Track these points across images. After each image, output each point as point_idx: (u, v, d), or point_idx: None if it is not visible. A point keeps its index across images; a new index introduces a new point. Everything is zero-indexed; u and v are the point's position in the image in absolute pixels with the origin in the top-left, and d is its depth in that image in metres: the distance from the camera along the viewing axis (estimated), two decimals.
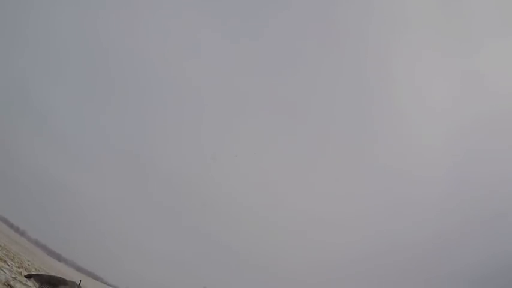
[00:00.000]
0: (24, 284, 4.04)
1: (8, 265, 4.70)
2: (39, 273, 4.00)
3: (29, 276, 3.53)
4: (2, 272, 3.90)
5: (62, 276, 3.69)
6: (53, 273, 4.00)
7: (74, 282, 3.64)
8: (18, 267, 5.12)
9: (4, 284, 3.33)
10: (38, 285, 3.44)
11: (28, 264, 6.60)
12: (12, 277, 4.01)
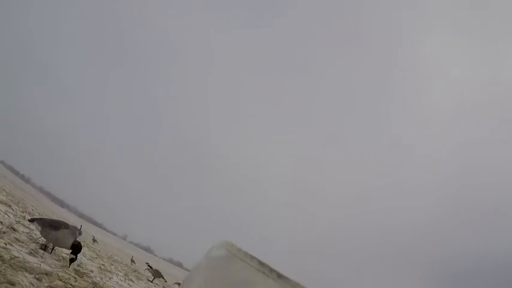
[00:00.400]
0: (27, 227, 4.18)
1: (13, 209, 4.83)
2: (42, 217, 4.11)
3: (32, 220, 3.62)
4: (6, 216, 4.02)
5: (64, 221, 3.80)
6: (55, 218, 4.10)
7: (75, 227, 3.74)
8: (22, 212, 5.26)
9: (8, 227, 3.45)
10: (40, 228, 3.55)
11: (32, 209, 6.79)
12: (16, 221, 4.13)
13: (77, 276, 3.31)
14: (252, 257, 0.60)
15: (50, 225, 3.51)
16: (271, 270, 0.57)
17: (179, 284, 12.00)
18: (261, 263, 0.59)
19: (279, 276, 0.56)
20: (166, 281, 9.68)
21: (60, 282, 2.64)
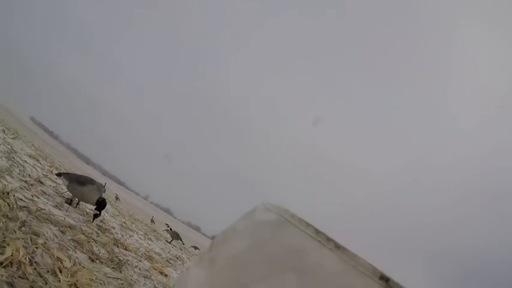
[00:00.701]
0: (54, 182, 4.27)
1: (41, 164, 4.93)
2: (69, 172, 4.19)
3: (59, 174, 3.70)
4: (34, 169, 4.11)
5: (90, 177, 3.87)
6: (81, 174, 4.17)
7: (101, 184, 3.82)
8: (50, 167, 5.37)
9: (36, 180, 3.53)
10: (66, 183, 3.62)
11: (59, 165, 6.91)
12: (44, 174, 4.23)
13: (99, 232, 3.40)
14: (308, 224, 0.59)
15: (76, 181, 3.58)
16: (328, 239, 0.56)
17: (196, 248, 12.35)
18: (317, 231, 0.57)
19: (337, 246, 0.55)
20: (184, 244, 9.87)
21: (83, 236, 2.71)
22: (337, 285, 0.52)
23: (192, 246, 12.27)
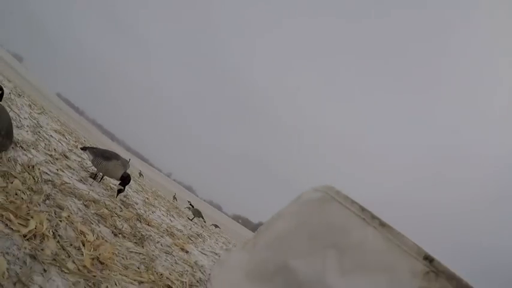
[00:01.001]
0: (79, 156, 4.33)
1: (66, 139, 5.01)
2: (94, 146, 4.24)
3: (84, 149, 3.74)
4: (60, 144, 4.18)
5: (115, 152, 3.91)
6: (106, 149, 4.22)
7: (125, 159, 3.86)
8: (75, 141, 5.46)
9: (61, 154, 3.58)
10: (91, 157, 3.66)
11: (84, 140, 7.03)
12: (69, 149, 4.30)
13: (122, 207, 3.43)
14: (353, 202, 0.58)
15: (101, 155, 3.61)
16: (373, 217, 0.55)
17: (216, 226, 12.51)
18: (362, 209, 0.56)
19: (382, 224, 0.54)
20: (205, 221, 9.97)
21: (107, 211, 2.73)
22: (380, 263, 0.51)
23: (212, 224, 12.41)
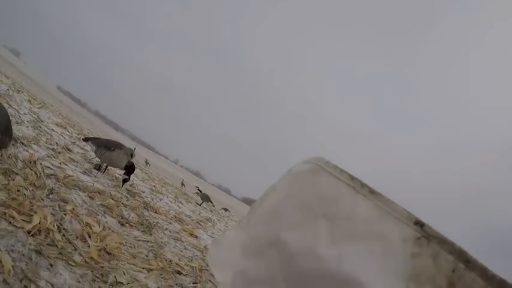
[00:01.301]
0: (82, 149, 4.33)
1: (68, 132, 5.00)
2: (96, 137, 4.23)
3: (86, 140, 3.74)
4: (62, 137, 4.17)
5: (118, 142, 3.90)
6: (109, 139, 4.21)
7: (130, 148, 3.85)
8: (78, 134, 5.45)
9: (63, 148, 3.58)
10: (94, 148, 3.66)
11: (87, 132, 7.03)
12: (71, 142, 4.29)
13: (128, 196, 3.44)
14: (342, 171, 0.57)
15: (104, 146, 3.60)
16: (363, 185, 0.54)
17: (226, 210, 12.58)
18: (351, 177, 0.56)
19: (371, 192, 0.53)
20: (214, 206, 10.02)
21: (113, 201, 2.74)
22: (370, 231, 0.51)
23: (222, 208, 12.48)
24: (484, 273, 0.42)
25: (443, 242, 0.47)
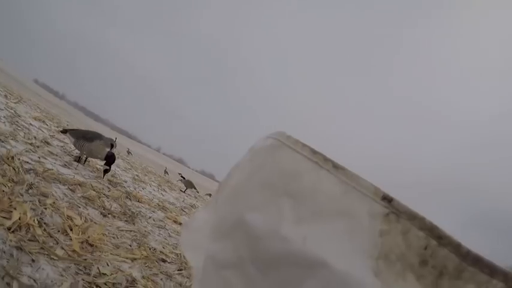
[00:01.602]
0: (62, 141, 4.28)
1: (47, 125, 4.92)
2: (75, 128, 4.16)
3: (64, 131, 3.69)
4: (40, 131, 4.12)
5: (98, 132, 3.85)
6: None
7: (109, 138, 3.80)
8: (57, 127, 5.37)
9: (42, 141, 3.54)
10: (73, 140, 3.62)
11: (67, 124, 6.91)
12: (50, 135, 4.24)
13: (110, 187, 3.44)
14: (304, 145, 0.54)
15: (83, 137, 3.57)
16: (326, 159, 0.51)
17: (210, 195, 12.57)
18: (313, 152, 0.53)
19: (335, 166, 0.50)
20: (198, 192, 10.04)
21: (94, 192, 2.74)
22: (336, 208, 0.48)
23: (207, 194, 12.50)
24: (457, 249, 0.41)
25: (413, 218, 0.44)
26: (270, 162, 0.57)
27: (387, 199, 0.45)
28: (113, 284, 1.55)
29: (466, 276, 0.39)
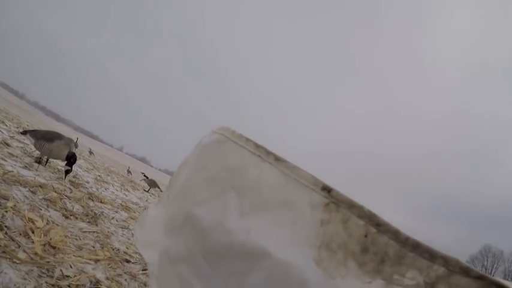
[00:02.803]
0: (22, 142, 4.18)
1: (6, 126, 4.77)
2: (35, 129, 4.04)
3: (24, 133, 3.59)
4: (0, 132, 4.02)
5: (58, 132, 3.76)
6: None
7: (70, 138, 3.71)
8: (17, 128, 5.22)
9: (1, 143, 3.45)
10: (33, 141, 3.53)
11: (27, 125, 6.69)
12: (10, 136, 4.12)
13: (72, 188, 3.40)
14: (248, 140, 0.57)
15: (43, 137, 3.51)
16: (268, 152, 0.54)
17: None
18: (256, 145, 0.55)
19: (277, 159, 0.53)
20: (162, 191, 9.96)
21: (55, 194, 2.71)
22: (278, 199, 0.50)
23: None
24: (397, 236, 0.42)
25: (352, 207, 0.46)
26: (215, 157, 0.60)
27: (327, 189, 0.48)
28: (77, 286, 1.57)
29: (407, 262, 0.41)
